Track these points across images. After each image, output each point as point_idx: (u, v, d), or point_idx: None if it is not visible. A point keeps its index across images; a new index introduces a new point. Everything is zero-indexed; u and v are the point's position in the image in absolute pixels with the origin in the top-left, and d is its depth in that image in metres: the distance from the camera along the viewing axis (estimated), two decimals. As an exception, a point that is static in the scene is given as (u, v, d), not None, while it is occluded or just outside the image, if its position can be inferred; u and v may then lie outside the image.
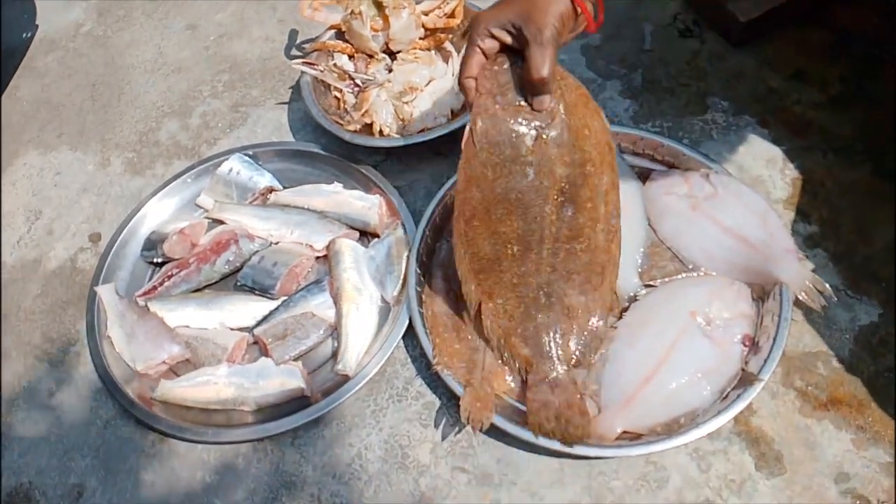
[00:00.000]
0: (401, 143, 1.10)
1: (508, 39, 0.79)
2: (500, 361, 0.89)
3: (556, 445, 0.83)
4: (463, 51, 0.82)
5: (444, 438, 0.90)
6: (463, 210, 0.86)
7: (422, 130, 1.12)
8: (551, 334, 0.87)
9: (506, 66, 0.81)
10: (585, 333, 0.88)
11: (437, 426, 0.92)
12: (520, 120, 0.81)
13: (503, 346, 0.89)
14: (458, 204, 0.86)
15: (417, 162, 1.16)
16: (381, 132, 1.13)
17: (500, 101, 0.82)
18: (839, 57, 1.20)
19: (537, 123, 0.82)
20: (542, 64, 0.77)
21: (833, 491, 0.82)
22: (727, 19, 1.22)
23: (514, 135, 0.82)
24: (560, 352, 0.87)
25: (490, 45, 0.80)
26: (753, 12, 1.19)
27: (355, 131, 1.13)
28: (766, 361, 0.85)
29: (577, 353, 0.87)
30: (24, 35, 1.46)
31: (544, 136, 0.82)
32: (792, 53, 1.22)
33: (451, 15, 1.22)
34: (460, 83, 0.82)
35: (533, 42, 0.76)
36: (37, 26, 1.50)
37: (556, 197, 0.84)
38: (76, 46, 1.47)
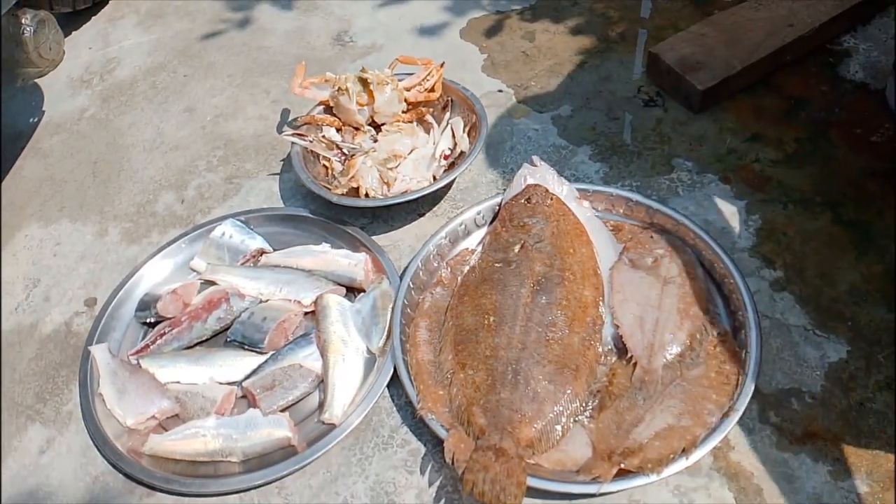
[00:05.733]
0: (384, 203, 1.16)
1: None
2: (458, 426, 0.91)
3: None
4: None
5: (430, 485, 0.91)
6: (459, 290, 1.05)
7: (405, 192, 1.18)
8: (510, 412, 0.89)
9: (522, 201, 1.11)
10: (545, 421, 0.89)
11: (422, 472, 0.93)
12: (516, 237, 1.06)
13: (463, 413, 0.91)
14: (458, 287, 1.06)
15: (401, 223, 1.22)
16: (366, 195, 1.19)
17: (507, 225, 1.09)
18: (792, 121, 1.29)
19: (525, 238, 1.06)
20: None
21: (814, 522, 0.83)
22: (687, 89, 1.32)
23: (507, 244, 1.06)
24: (514, 430, 0.88)
25: None
26: (710, 81, 1.30)
27: (342, 195, 1.19)
28: (739, 394, 0.88)
29: (533, 436, 0.88)
30: (31, 120, 1.56)
31: (529, 245, 1.05)
32: (749, 119, 1.31)
33: (432, 90, 1.31)
34: None
35: None
36: (43, 111, 1.59)
37: (532, 285, 1.00)
38: (80, 129, 1.56)
